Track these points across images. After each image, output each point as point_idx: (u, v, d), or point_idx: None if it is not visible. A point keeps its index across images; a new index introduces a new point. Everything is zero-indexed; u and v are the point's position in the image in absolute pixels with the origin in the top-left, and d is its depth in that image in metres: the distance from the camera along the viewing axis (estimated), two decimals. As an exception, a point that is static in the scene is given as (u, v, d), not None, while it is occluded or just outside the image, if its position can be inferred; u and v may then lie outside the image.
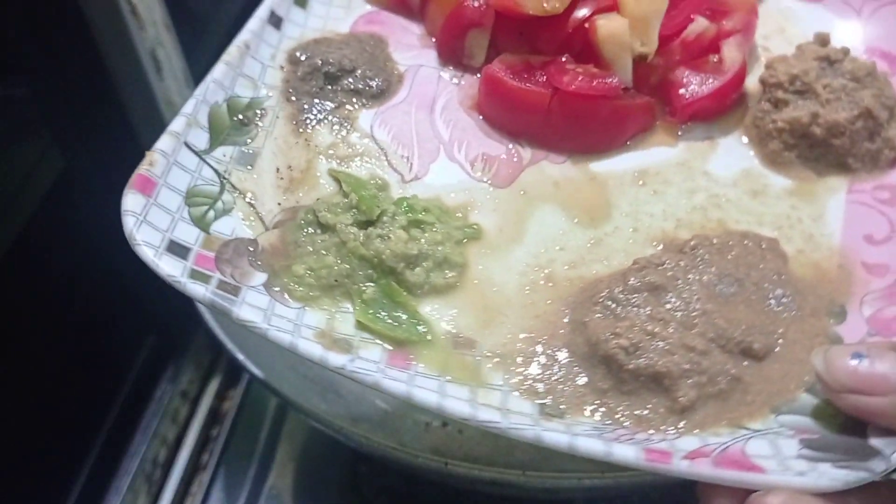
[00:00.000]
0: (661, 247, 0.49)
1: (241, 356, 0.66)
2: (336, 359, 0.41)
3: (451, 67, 0.59)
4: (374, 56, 0.58)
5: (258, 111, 0.54)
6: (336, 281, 0.46)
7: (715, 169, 0.54)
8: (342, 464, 0.81)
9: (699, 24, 0.55)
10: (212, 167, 0.50)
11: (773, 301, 0.45)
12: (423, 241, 0.47)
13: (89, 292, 0.80)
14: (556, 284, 0.48)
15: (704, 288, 0.45)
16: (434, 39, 0.60)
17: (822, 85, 0.52)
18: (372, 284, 0.47)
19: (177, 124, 0.50)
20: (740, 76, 0.55)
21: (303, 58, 0.57)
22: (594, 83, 0.52)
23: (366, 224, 0.48)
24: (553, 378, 0.43)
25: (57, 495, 0.73)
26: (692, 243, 0.47)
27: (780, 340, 0.44)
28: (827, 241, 0.50)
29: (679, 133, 0.55)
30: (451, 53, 0.59)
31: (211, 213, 0.49)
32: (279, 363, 0.69)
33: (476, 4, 0.56)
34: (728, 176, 0.53)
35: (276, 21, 0.58)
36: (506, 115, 0.55)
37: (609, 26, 0.53)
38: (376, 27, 0.61)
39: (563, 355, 0.44)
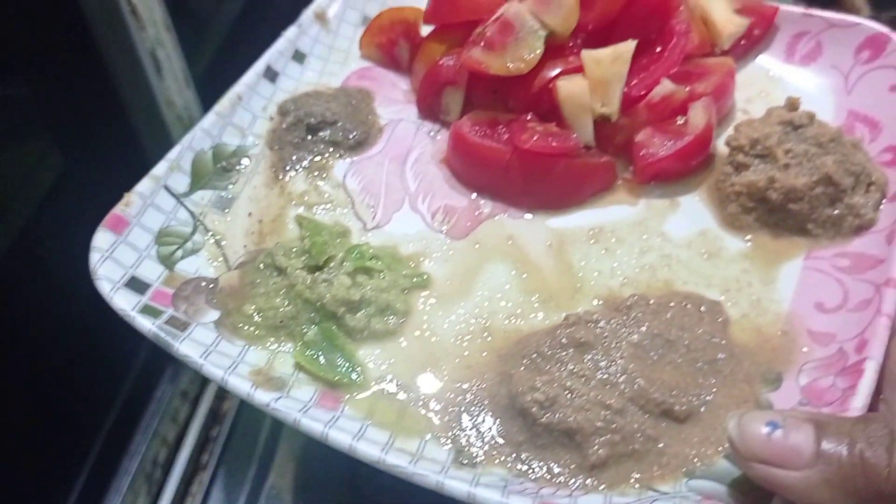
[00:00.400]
0: (600, 303, 0.50)
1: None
2: (262, 396, 0.44)
3: (430, 122, 0.62)
4: (358, 109, 0.62)
5: (242, 158, 0.58)
6: (281, 322, 0.49)
7: (672, 229, 0.54)
8: (342, 464, 0.81)
9: (664, 87, 0.55)
10: (188, 209, 0.54)
11: (704, 364, 0.45)
12: (367, 287, 0.49)
13: (90, 292, 0.80)
14: (494, 336, 0.49)
15: (632, 347, 0.45)
16: (415, 95, 0.63)
17: (783, 150, 0.52)
18: (314, 327, 0.49)
19: (159, 168, 0.54)
20: (703, 138, 0.55)
21: (292, 108, 0.60)
22: (551, 142, 0.53)
23: (315, 269, 0.50)
24: (473, 428, 0.45)
25: (57, 495, 0.74)
26: (629, 302, 0.48)
27: (705, 404, 0.44)
28: (774, 307, 0.49)
29: (641, 192, 0.56)
30: (430, 109, 0.62)
31: (179, 253, 0.52)
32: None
33: (451, 64, 0.59)
34: (684, 237, 0.53)
35: (271, 75, 0.62)
36: (470, 169, 0.57)
37: (569, 87, 0.54)
38: (367, 82, 0.65)
39: (486, 406, 0.45)
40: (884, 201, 0.52)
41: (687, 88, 0.56)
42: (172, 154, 0.54)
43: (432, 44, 0.62)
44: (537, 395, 0.43)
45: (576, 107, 0.55)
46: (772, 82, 0.62)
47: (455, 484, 0.40)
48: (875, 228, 0.51)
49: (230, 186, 0.57)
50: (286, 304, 0.49)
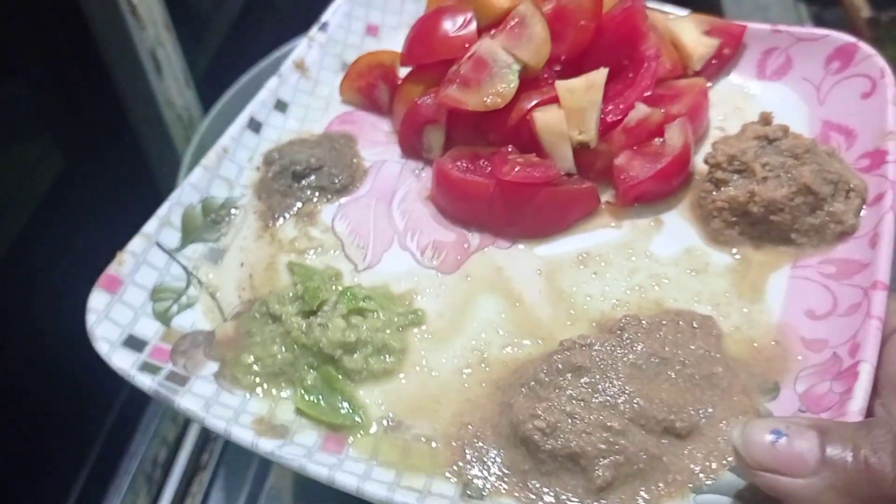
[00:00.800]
0: (594, 326, 0.50)
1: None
2: (266, 445, 0.44)
3: (413, 161, 0.62)
4: (342, 153, 0.62)
5: (231, 209, 0.58)
6: (280, 369, 0.49)
7: (658, 249, 0.54)
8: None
9: (639, 111, 0.56)
10: (181, 264, 0.54)
11: (701, 379, 0.45)
12: (363, 328, 0.49)
13: (89, 292, 0.80)
14: (491, 367, 0.49)
15: (629, 368, 0.45)
16: (397, 136, 0.64)
17: (760, 163, 0.53)
18: (313, 372, 0.49)
19: (150, 226, 0.54)
20: (682, 158, 0.55)
21: (277, 157, 0.61)
22: (532, 172, 0.54)
23: (310, 314, 0.50)
24: (477, 460, 0.45)
25: (57, 495, 0.74)
26: (621, 324, 0.48)
27: (705, 419, 0.44)
28: (765, 318, 0.49)
29: (625, 215, 0.56)
30: (412, 148, 0.62)
31: (174, 308, 0.52)
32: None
33: (429, 103, 0.60)
34: (670, 255, 0.54)
35: (255, 126, 0.62)
36: (454, 204, 0.58)
37: (545, 118, 0.55)
38: (349, 126, 0.66)
39: (488, 437, 0.45)
40: (864, 207, 0.52)
41: (662, 111, 0.57)
42: (162, 210, 0.54)
43: (410, 85, 0.63)
44: (538, 423, 0.43)
45: (553, 136, 0.56)
46: (745, 99, 0.63)
47: None
48: (857, 234, 0.51)
49: (221, 238, 0.57)
50: (283, 350, 0.49)
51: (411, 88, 0.62)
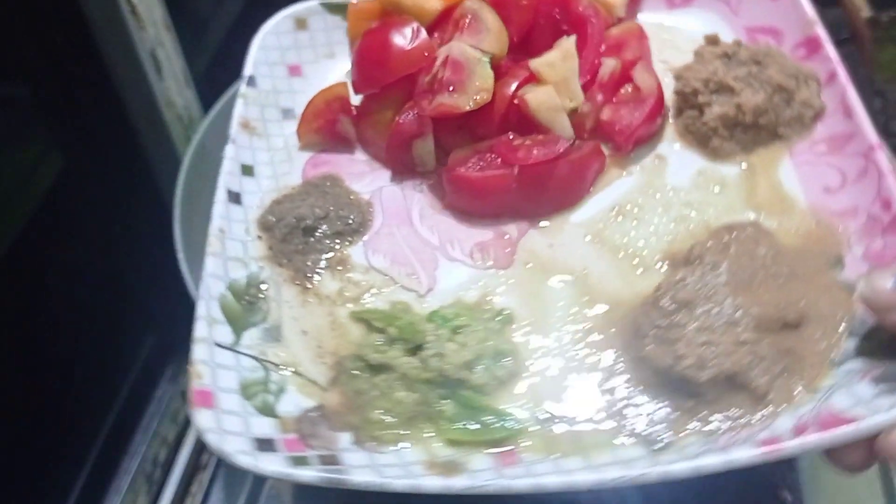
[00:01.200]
0: (665, 265, 0.54)
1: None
2: (460, 482, 0.43)
3: (409, 179, 0.62)
4: (337, 195, 0.61)
5: (259, 286, 0.55)
6: (414, 412, 0.48)
7: (674, 181, 0.59)
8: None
9: (608, 65, 0.60)
10: (247, 355, 0.51)
11: (782, 277, 0.50)
12: (471, 343, 0.49)
13: (89, 293, 0.80)
14: (599, 330, 0.51)
15: (725, 287, 0.49)
16: (379, 161, 0.64)
17: (732, 78, 0.59)
18: (447, 401, 0.48)
19: (200, 330, 0.50)
20: (661, 96, 0.60)
21: (274, 220, 0.58)
22: (547, 149, 0.56)
23: (414, 350, 0.50)
24: (642, 416, 0.47)
25: (57, 495, 0.73)
26: (694, 253, 0.51)
27: (805, 305, 0.48)
28: (795, 207, 0.55)
29: (627, 163, 0.60)
30: (403, 167, 0.62)
31: (270, 398, 0.49)
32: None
33: (412, 117, 0.60)
34: (688, 182, 0.58)
35: (235, 198, 0.59)
36: (478, 203, 0.59)
37: (537, 97, 0.58)
38: (325, 168, 0.64)
39: (640, 393, 0.48)
40: (821, 88, 0.59)
41: (619, 60, 0.61)
42: (201, 310, 0.51)
43: (377, 108, 0.63)
44: (687, 361, 0.46)
45: (549, 111, 0.58)
46: (667, 31, 0.68)
47: (678, 467, 0.42)
48: (828, 112, 0.58)
49: (267, 317, 0.54)
50: (408, 393, 0.49)
51: (379, 111, 0.62)
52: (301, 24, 0.70)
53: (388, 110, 0.62)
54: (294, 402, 0.49)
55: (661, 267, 0.54)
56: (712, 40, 0.63)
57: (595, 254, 0.55)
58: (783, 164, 0.58)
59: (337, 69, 0.69)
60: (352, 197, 0.61)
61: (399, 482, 0.43)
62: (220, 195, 0.58)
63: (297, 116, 0.66)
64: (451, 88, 0.57)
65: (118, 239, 0.82)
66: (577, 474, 0.43)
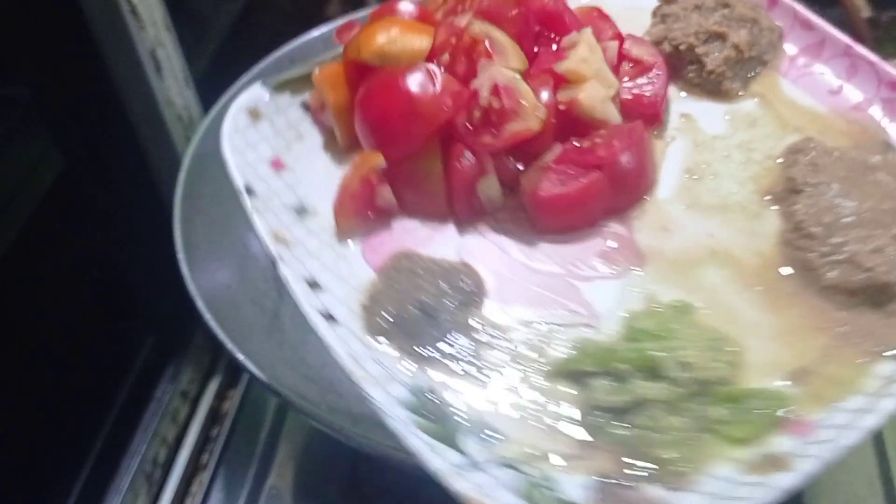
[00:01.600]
0: (772, 201, 0.55)
1: (241, 356, 0.66)
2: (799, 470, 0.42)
3: (480, 224, 0.57)
4: (429, 268, 0.54)
5: (425, 394, 0.48)
6: (692, 435, 0.45)
7: (713, 131, 0.61)
8: (342, 464, 0.81)
9: (612, 49, 0.61)
10: (499, 464, 0.45)
11: (868, 171, 0.53)
12: (689, 343, 0.48)
13: (89, 292, 0.80)
14: (766, 286, 0.51)
15: (848, 197, 0.51)
16: (435, 218, 0.58)
17: (717, 25, 0.63)
18: (716, 407, 0.45)
19: (436, 463, 0.44)
20: (665, 60, 0.63)
21: (385, 323, 0.51)
22: (621, 141, 0.55)
23: (653, 375, 0.47)
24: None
25: (57, 495, 0.73)
26: (795, 180, 0.53)
27: None
28: (821, 115, 0.60)
29: (661, 131, 0.62)
30: (472, 212, 0.57)
31: (552, 493, 0.44)
32: (279, 363, 0.69)
33: (470, 160, 0.55)
34: (725, 127, 0.61)
35: (329, 318, 0.51)
36: (575, 217, 0.56)
37: (587, 95, 0.56)
38: (387, 248, 0.57)
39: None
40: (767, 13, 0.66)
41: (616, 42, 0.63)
42: (415, 445, 0.44)
43: (410, 167, 0.57)
44: (881, 268, 0.47)
45: (601, 104, 0.57)
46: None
47: None
48: (787, 31, 0.65)
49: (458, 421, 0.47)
50: (678, 416, 0.45)
51: (418, 168, 0.57)
52: (255, 114, 0.63)
53: (428, 163, 0.56)
54: (572, 484, 0.44)
55: (771, 205, 0.55)
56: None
57: (704, 219, 0.55)
58: (784, 84, 0.63)
59: (313, 148, 0.63)
60: (445, 265, 0.54)
61: (757, 495, 0.41)
62: (318, 321, 0.50)
63: (310, 210, 0.59)
64: (512, 116, 0.54)
65: (118, 239, 0.82)
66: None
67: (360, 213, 0.57)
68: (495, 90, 0.55)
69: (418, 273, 0.53)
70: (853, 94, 0.60)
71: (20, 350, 0.70)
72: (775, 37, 0.65)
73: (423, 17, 0.62)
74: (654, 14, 0.67)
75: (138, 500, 0.78)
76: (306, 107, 0.65)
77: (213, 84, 0.80)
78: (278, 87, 0.64)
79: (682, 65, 0.64)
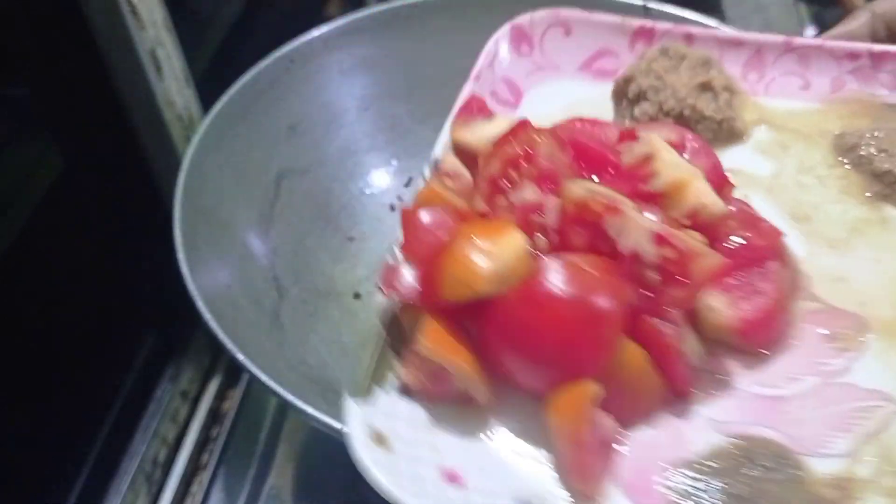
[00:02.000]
0: (868, 194, 0.56)
1: (241, 356, 0.66)
2: None
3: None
4: (714, 468, 0.44)
5: None
6: None
7: (764, 169, 0.60)
8: (342, 464, 0.80)
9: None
10: None
11: None
12: None
13: (88, 292, 0.80)
14: None
15: None
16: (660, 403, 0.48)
17: (694, 78, 0.62)
18: None
19: None
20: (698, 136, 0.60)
21: None
22: (752, 214, 0.53)
23: None
24: None
25: (57, 495, 0.73)
26: (849, 141, 0.57)
27: None
28: (818, 110, 0.62)
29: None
30: (689, 380, 0.48)
31: None
32: (279, 363, 0.69)
33: (668, 328, 0.47)
34: (771, 162, 0.61)
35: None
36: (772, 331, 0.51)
37: (701, 193, 0.49)
38: (644, 473, 0.45)
39: None
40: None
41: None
42: None
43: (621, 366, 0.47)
44: None
45: (715, 196, 0.50)
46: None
47: None
48: (721, 56, 0.65)
49: None
50: None
51: (628, 362, 0.46)
52: (380, 440, 0.47)
53: (628, 356, 0.46)
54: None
55: (882, 202, 0.55)
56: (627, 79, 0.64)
57: (851, 250, 0.53)
58: (765, 102, 0.63)
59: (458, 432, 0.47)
60: (727, 454, 0.45)
61: None
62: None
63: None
64: (694, 252, 0.46)
65: (118, 239, 0.82)
66: None
67: (605, 458, 0.45)
68: (659, 240, 0.46)
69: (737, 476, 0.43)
70: (824, 79, 0.62)
71: (20, 350, 0.70)
72: (714, 61, 0.64)
73: (462, 216, 0.50)
74: (618, 97, 0.63)
75: (138, 500, 0.78)
76: (406, 391, 0.49)
77: (213, 84, 0.80)
78: (363, 393, 0.51)
79: (688, 128, 0.61)
